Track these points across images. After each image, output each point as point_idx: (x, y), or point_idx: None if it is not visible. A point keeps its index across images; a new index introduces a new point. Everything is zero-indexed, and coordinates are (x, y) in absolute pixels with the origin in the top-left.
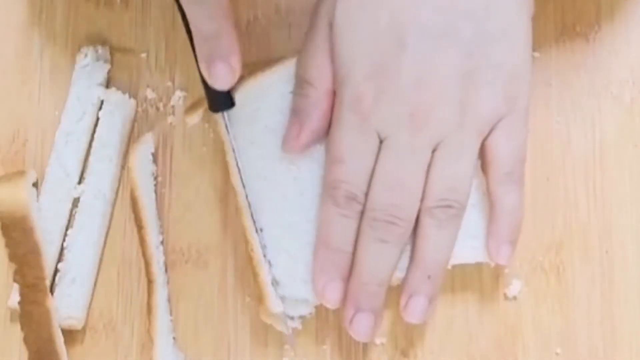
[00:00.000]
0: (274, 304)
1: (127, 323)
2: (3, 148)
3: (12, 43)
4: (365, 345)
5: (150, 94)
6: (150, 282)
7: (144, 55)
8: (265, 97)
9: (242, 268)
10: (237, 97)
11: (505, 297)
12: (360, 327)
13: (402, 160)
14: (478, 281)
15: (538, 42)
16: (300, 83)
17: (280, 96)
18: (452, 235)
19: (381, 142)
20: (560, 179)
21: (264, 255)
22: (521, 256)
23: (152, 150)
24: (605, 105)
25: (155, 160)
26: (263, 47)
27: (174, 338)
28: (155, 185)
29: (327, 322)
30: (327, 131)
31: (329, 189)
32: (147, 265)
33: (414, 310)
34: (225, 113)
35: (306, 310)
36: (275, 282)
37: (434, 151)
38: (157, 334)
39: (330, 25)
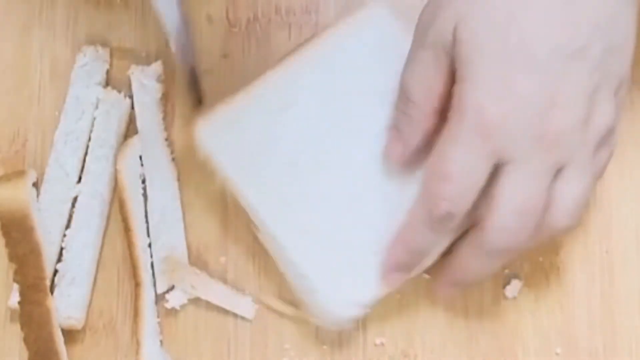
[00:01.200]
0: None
1: (127, 323)
2: (3, 148)
3: (12, 43)
4: (365, 345)
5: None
6: (137, 284)
7: (143, 55)
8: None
9: (242, 267)
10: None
11: (505, 297)
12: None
13: (530, 184)
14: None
15: None
16: (405, 101)
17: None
18: None
19: (498, 165)
20: None
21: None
22: (521, 256)
23: (140, 152)
24: None
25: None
26: (262, 47)
27: (160, 341)
28: (144, 187)
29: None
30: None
31: (427, 203)
32: (135, 268)
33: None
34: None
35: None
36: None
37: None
38: (144, 336)
39: (448, 43)
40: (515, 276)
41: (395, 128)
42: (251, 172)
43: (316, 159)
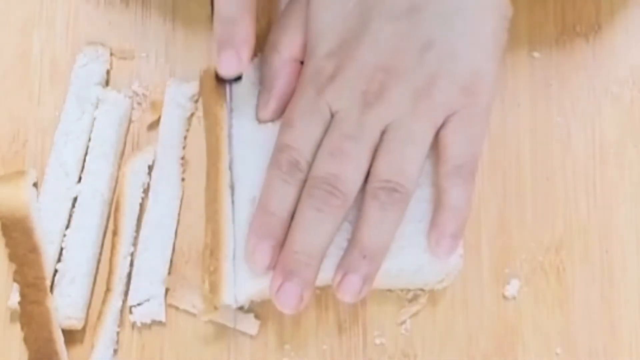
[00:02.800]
0: (228, 297)
1: None
2: (3, 148)
3: (13, 43)
4: (365, 345)
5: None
6: (107, 290)
7: (144, 55)
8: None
9: None
10: None
11: (504, 297)
12: (285, 298)
13: (348, 133)
14: (478, 281)
15: (538, 42)
16: (269, 49)
17: None
18: (394, 220)
19: (332, 116)
20: (560, 179)
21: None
22: (521, 257)
23: (150, 162)
24: (605, 105)
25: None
26: (263, 45)
27: (115, 350)
28: (143, 197)
29: (327, 322)
30: None
31: (275, 151)
32: (110, 273)
33: (347, 289)
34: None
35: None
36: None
37: (383, 134)
38: (98, 343)
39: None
40: (515, 276)
41: (261, 79)
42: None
43: None
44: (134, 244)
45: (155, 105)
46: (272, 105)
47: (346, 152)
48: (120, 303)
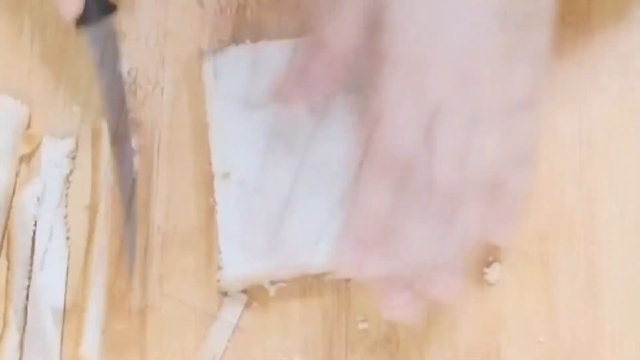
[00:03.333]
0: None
1: None
2: None
3: (2, 24)
4: (348, 330)
5: (140, 76)
6: (5, 325)
7: (134, 37)
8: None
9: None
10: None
11: (488, 284)
12: (396, 306)
13: (467, 130)
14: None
15: None
16: (317, 41)
17: None
18: None
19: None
20: (546, 169)
21: None
22: (506, 245)
23: (39, 194)
24: (593, 95)
25: (41, 202)
26: (253, 32)
27: None
28: (34, 230)
29: (311, 307)
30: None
31: (373, 148)
32: (6, 308)
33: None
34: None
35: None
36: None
37: None
38: None
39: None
40: (497, 260)
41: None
42: (234, 115)
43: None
44: (29, 277)
45: (31, 137)
46: (307, 98)
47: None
48: (18, 337)
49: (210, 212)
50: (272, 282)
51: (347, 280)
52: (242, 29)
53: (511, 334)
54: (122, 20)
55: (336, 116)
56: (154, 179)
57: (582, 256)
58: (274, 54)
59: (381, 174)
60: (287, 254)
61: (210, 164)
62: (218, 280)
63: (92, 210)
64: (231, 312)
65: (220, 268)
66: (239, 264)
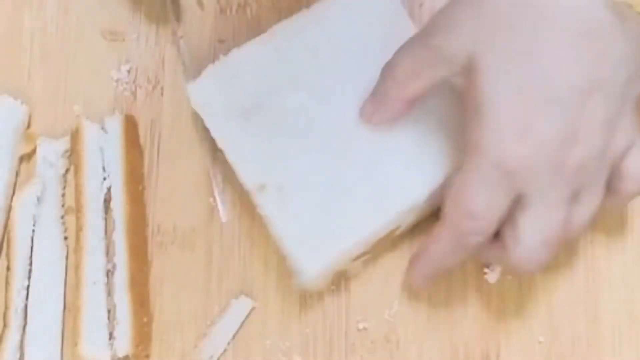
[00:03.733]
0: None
1: None
2: None
3: (3, 24)
4: (348, 329)
5: (140, 75)
6: (5, 326)
7: (134, 36)
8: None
9: (228, 251)
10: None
11: (488, 283)
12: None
13: (551, 215)
14: (462, 269)
15: None
16: (390, 79)
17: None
18: None
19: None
20: None
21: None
22: None
23: (39, 194)
24: None
25: (40, 202)
26: (253, 32)
27: None
28: (34, 230)
29: (311, 307)
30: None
31: (456, 234)
32: (6, 308)
33: None
34: None
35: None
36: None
37: None
38: None
39: (457, 61)
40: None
41: (373, 96)
42: (238, 130)
43: (301, 118)
44: (29, 277)
45: (30, 137)
46: (378, 121)
47: (553, 241)
48: (18, 338)
49: (210, 212)
50: (355, 259)
51: (347, 279)
52: (242, 29)
53: (511, 334)
54: (122, 20)
55: None
56: (154, 179)
57: (581, 256)
58: (250, 55)
59: (458, 247)
60: (354, 227)
61: (211, 164)
62: (298, 285)
63: (78, 210)
64: (234, 315)
65: (298, 273)
66: (317, 260)
